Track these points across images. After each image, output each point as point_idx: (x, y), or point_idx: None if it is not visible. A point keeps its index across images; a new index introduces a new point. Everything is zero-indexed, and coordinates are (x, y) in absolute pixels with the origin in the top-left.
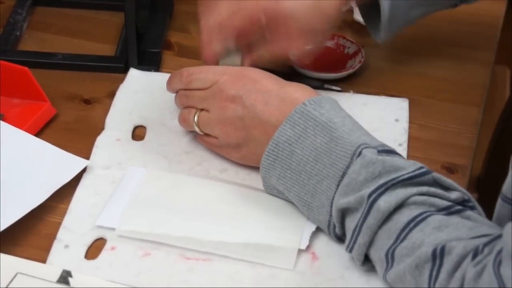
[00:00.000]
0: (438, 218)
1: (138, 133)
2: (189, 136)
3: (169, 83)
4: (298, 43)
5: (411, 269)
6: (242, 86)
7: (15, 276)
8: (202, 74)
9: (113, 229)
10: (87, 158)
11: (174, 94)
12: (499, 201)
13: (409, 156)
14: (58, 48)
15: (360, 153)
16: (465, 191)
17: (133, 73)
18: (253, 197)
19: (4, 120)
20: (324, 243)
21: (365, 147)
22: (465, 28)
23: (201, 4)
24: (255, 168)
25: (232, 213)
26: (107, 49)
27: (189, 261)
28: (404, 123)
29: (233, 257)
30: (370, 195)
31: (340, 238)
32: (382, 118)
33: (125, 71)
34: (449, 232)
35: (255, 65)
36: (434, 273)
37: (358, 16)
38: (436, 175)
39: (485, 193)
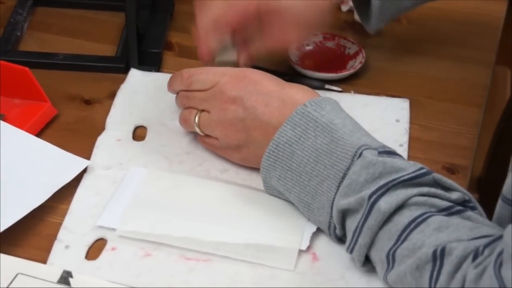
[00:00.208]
0: (438, 219)
1: (138, 133)
2: (190, 136)
3: (170, 84)
4: (293, 37)
5: (411, 270)
6: (242, 88)
7: (15, 276)
8: (203, 75)
9: (113, 229)
10: (88, 158)
11: (175, 95)
12: (499, 202)
13: (410, 157)
14: (59, 48)
15: (360, 154)
16: (465, 191)
17: (133, 73)
18: (253, 198)
19: (4, 120)
20: (325, 244)
21: (366, 148)
22: (466, 28)
23: (197, 3)
24: (256, 169)
25: (233, 213)
26: (107, 49)
27: (189, 262)
28: (405, 124)
29: (234, 258)
30: (370, 196)
31: (341, 239)
32: (382, 119)
33: (125, 71)
34: (449, 233)
35: (251, 60)
36: (435, 274)
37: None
38: (436, 175)
39: (485, 194)
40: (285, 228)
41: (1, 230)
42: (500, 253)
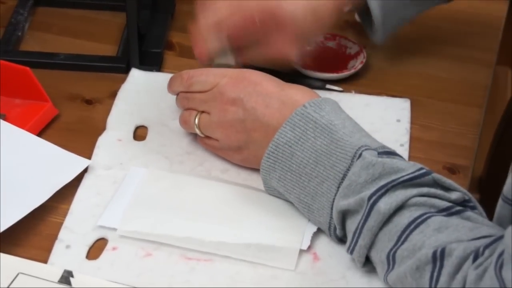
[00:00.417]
0: (438, 220)
1: (139, 133)
2: (191, 136)
3: (170, 85)
4: (293, 47)
5: (412, 271)
6: (242, 89)
7: (16, 276)
8: (203, 77)
9: (114, 229)
10: (89, 158)
11: (175, 96)
12: (500, 202)
13: (411, 157)
14: (60, 48)
15: (360, 155)
16: (465, 191)
17: (134, 73)
18: (254, 198)
19: (5, 120)
20: (326, 244)
21: (365, 149)
22: (467, 28)
23: (199, 3)
24: (257, 169)
25: (234, 213)
26: (108, 49)
27: (190, 262)
28: (405, 124)
29: (235, 258)
30: (370, 197)
31: (341, 240)
32: (383, 119)
33: (126, 71)
34: (449, 234)
35: (248, 65)
36: (435, 275)
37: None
38: (436, 175)
39: (486, 194)
40: (286, 228)
41: (2, 230)
42: (501, 254)
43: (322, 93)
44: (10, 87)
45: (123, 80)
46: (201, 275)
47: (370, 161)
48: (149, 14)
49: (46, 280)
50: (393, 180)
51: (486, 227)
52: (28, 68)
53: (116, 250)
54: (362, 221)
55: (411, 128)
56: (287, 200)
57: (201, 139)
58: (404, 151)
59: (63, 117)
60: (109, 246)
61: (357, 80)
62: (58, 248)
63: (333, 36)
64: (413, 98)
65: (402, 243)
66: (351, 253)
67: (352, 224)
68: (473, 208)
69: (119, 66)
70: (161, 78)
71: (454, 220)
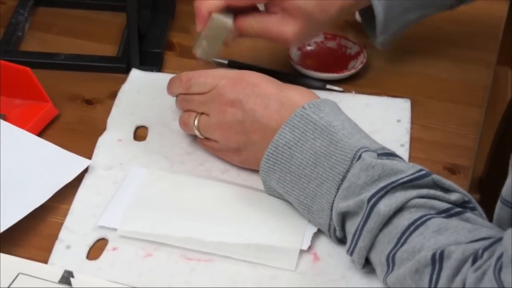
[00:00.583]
0: (437, 221)
1: (140, 133)
2: (191, 136)
3: (169, 87)
4: (293, 33)
5: (411, 274)
6: (241, 90)
7: (16, 276)
8: (201, 79)
9: (115, 229)
10: (89, 158)
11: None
12: (499, 204)
13: (411, 157)
14: (60, 48)
15: (359, 157)
16: (465, 192)
17: (135, 73)
18: (254, 198)
19: (6, 120)
20: (326, 244)
21: (365, 151)
22: (467, 28)
23: None
24: (257, 169)
25: (234, 213)
26: (109, 49)
27: (190, 262)
28: (406, 124)
29: (235, 258)
30: (370, 199)
31: (341, 241)
32: (384, 119)
33: (127, 71)
34: (448, 236)
35: (243, 32)
36: (434, 277)
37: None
38: (435, 177)
39: (487, 194)
40: (286, 228)
41: (2, 230)
42: (500, 257)
43: (322, 93)
44: (11, 87)
45: (123, 80)
46: (202, 275)
47: (369, 162)
48: (149, 14)
49: (46, 280)
50: (392, 182)
51: (485, 229)
52: (28, 68)
53: (117, 250)
54: (362, 222)
55: (412, 128)
56: (287, 201)
57: (201, 140)
58: (404, 151)
59: (63, 117)
60: (109, 246)
61: (357, 80)
62: (58, 248)
63: (334, 36)
64: (413, 98)
65: (402, 245)
66: (351, 254)
67: (351, 226)
68: (472, 209)
69: (119, 66)
70: (161, 78)
71: (453, 221)
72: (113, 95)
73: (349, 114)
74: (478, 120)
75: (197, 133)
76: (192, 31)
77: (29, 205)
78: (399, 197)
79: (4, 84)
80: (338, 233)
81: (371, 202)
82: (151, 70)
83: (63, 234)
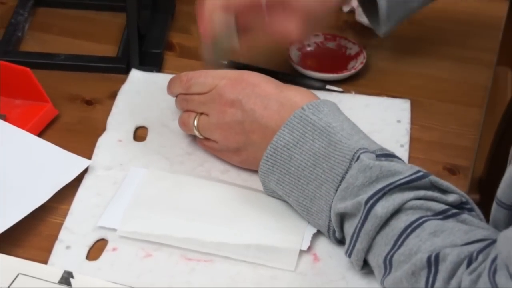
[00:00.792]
0: (434, 223)
1: (139, 134)
2: (191, 137)
3: (169, 87)
4: (298, 27)
5: (407, 276)
6: (241, 91)
7: (16, 277)
8: (201, 79)
9: (114, 230)
10: (89, 159)
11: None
12: (494, 205)
13: (411, 157)
14: (60, 49)
15: (358, 158)
16: (462, 193)
17: (134, 74)
18: (254, 198)
19: (5, 121)
20: (326, 244)
21: (363, 152)
22: (467, 29)
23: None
24: (257, 170)
25: (234, 214)
26: (108, 49)
27: (190, 262)
28: (406, 124)
29: (235, 258)
30: (367, 201)
31: (341, 241)
32: (384, 119)
33: (126, 72)
34: (444, 238)
35: (251, 47)
36: (430, 280)
37: (360, 18)
38: (433, 178)
39: (486, 194)
40: (286, 228)
41: (2, 231)
42: (494, 259)
43: (322, 94)
44: (10, 88)
45: (123, 81)
46: (201, 276)
47: (367, 164)
48: (149, 15)
49: (46, 280)
50: (390, 184)
51: (481, 230)
52: (28, 69)
53: (116, 251)
54: (359, 224)
55: (411, 128)
56: (286, 201)
57: (200, 140)
58: (404, 152)
59: (63, 118)
60: (109, 246)
61: (357, 81)
62: (58, 249)
63: (333, 36)
64: (413, 98)
65: (399, 248)
66: (349, 256)
67: (350, 228)
68: (470, 210)
69: (119, 67)
70: (161, 79)
71: (450, 223)
72: (113, 96)
73: (349, 115)
74: (478, 121)
75: (196, 133)
76: (192, 32)
77: (29, 206)
78: (396, 199)
79: (4, 84)
80: (337, 234)
81: (369, 204)
82: (151, 71)
83: (63, 234)
